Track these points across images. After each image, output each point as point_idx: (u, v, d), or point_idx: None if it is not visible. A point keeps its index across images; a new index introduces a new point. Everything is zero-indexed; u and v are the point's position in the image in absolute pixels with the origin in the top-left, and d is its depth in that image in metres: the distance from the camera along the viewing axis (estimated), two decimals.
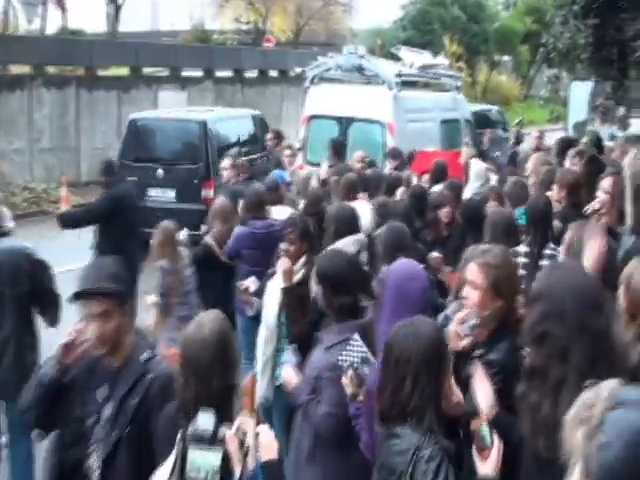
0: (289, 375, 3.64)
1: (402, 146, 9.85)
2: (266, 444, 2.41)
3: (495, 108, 18.64)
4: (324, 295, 3.43)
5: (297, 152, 11.74)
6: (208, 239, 5.95)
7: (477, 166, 8.09)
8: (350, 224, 4.61)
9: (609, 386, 1.36)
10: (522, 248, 4.42)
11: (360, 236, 4.61)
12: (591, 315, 2.33)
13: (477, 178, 7.85)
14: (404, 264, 3.29)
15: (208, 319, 2.62)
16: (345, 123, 11.43)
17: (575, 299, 2.36)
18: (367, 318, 3.39)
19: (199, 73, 20.27)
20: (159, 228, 5.56)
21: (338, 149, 9.45)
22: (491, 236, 4.26)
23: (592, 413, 1.32)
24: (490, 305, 2.89)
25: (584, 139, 7.97)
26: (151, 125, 11.41)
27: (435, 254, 4.90)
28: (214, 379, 2.47)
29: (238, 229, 5.82)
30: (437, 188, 6.80)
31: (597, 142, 7.76)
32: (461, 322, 2.87)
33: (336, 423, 3.22)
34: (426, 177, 7.99)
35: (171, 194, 10.63)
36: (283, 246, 4.34)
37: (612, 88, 6.83)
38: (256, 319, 4.77)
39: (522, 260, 4.29)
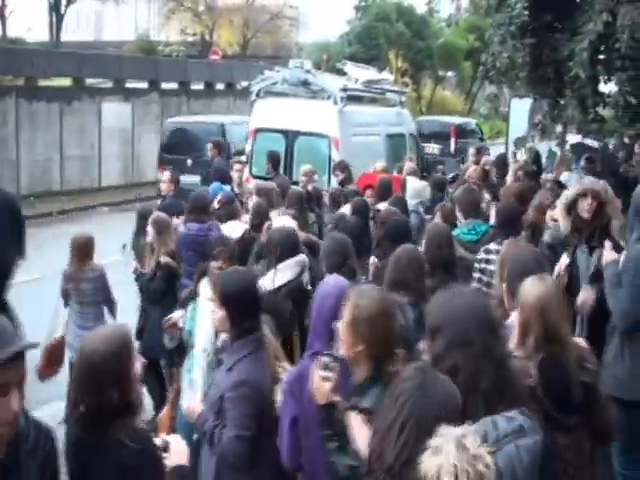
0: (193, 404, 3.52)
1: (347, 160, 9.94)
2: (176, 450, 2.40)
3: (474, 121, 19.72)
4: (226, 316, 3.31)
5: (245, 165, 11.80)
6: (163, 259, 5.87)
7: (414, 183, 8.07)
8: (293, 246, 4.63)
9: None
10: (494, 246, 4.68)
11: (302, 257, 4.63)
12: (493, 340, 2.33)
13: (414, 195, 7.87)
14: (327, 282, 3.28)
15: (106, 331, 2.56)
16: (291, 137, 11.47)
17: (479, 325, 2.32)
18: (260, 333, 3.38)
19: (144, 85, 20.06)
20: (78, 237, 5.78)
21: (275, 161, 9.54)
22: (427, 248, 4.35)
23: None
24: (352, 347, 2.73)
25: (524, 156, 8.19)
26: (183, 127, 15.76)
27: (373, 258, 5.03)
28: (105, 392, 2.41)
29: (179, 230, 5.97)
30: (382, 205, 6.89)
31: (536, 158, 7.99)
32: (323, 366, 2.73)
33: (245, 446, 3.16)
34: (369, 192, 8.06)
35: (197, 179, 11.54)
36: (214, 264, 4.30)
37: (549, 106, 7.05)
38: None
39: (494, 257, 4.55)
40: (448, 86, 41.27)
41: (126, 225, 6.56)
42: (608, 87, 6.26)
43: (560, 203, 4.40)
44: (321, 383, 2.70)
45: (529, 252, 3.81)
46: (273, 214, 6.08)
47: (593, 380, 2.98)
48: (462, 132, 18.22)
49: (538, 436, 2.24)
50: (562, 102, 7.12)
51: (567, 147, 9.50)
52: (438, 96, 38.87)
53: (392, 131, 12.81)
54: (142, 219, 6.60)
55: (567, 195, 4.47)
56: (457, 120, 18.52)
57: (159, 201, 8.88)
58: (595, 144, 11.26)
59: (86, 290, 5.74)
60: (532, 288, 3.02)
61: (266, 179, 10.41)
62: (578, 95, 6.85)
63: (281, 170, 11.38)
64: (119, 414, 2.44)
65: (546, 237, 4.88)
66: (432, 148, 17.09)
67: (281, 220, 5.62)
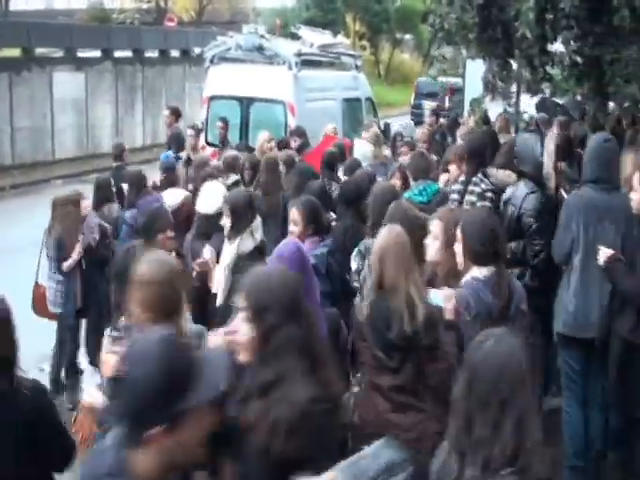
0: (93, 395, 3.34)
1: (304, 125, 9.90)
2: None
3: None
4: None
5: (200, 132, 11.68)
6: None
7: (361, 147, 8.02)
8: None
9: None
10: (456, 186, 5.12)
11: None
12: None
13: (363, 159, 7.85)
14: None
15: None
16: (246, 103, 11.37)
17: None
18: None
19: (97, 54, 19.60)
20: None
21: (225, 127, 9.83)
22: (373, 212, 4.40)
23: None
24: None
25: (474, 117, 8.25)
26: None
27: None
28: None
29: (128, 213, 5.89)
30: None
31: (485, 119, 8.06)
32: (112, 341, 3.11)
33: None
34: None
35: None
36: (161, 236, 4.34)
37: (498, 66, 7.09)
38: None
39: (455, 197, 5.10)
40: (406, 49, 41.13)
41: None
42: (556, 46, 6.30)
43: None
44: (108, 357, 2.92)
45: (482, 212, 3.93)
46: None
47: (418, 329, 3.23)
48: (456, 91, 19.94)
49: (408, 469, 2.27)
50: (511, 62, 7.17)
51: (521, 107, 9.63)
52: (396, 60, 38.75)
53: (348, 95, 12.76)
54: (99, 190, 6.58)
55: None
56: (452, 80, 19.79)
57: None
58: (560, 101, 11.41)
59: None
60: (378, 238, 3.45)
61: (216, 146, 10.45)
62: (526, 55, 6.90)
63: (237, 137, 11.36)
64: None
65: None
66: (429, 105, 19.11)
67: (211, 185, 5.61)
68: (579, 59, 6.36)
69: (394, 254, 3.33)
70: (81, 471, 1.98)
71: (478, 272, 3.40)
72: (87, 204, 6.15)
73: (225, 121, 10.23)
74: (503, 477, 1.95)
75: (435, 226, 3.74)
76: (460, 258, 3.48)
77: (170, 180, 6.37)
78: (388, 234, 3.43)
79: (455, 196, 5.27)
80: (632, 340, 4.20)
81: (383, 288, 3.33)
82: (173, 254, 4.29)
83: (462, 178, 5.38)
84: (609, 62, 6.08)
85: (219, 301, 4.17)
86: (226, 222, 4.47)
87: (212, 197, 5.10)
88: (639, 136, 6.40)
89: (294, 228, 4.50)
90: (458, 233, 3.48)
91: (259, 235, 4.65)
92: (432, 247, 3.70)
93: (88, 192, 6.62)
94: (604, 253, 4.14)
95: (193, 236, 5.08)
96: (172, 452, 1.79)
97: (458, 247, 3.49)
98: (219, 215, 4.62)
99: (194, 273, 4.50)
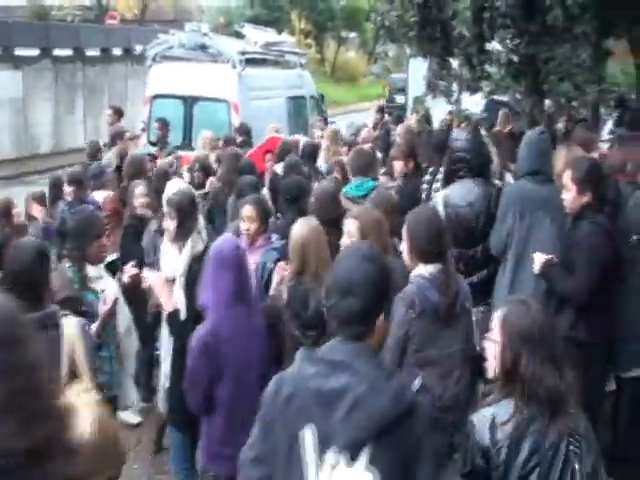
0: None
1: (249, 124, 9.84)
2: None
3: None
4: None
5: (141, 133, 11.51)
6: None
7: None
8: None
9: None
10: (426, 177, 5.68)
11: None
12: None
13: None
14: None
15: None
16: (189, 102, 11.25)
17: None
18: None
19: (35, 52, 19.10)
20: None
21: (165, 128, 9.61)
22: (318, 210, 4.41)
23: None
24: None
25: (416, 115, 8.34)
26: None
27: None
28: None
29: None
30: (279, 166, 6.91)
31: (427, 118, 8.15)
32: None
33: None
34: (268, 157, 8.02)
35: None
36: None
37: (438, 65, 7.19)
38: None
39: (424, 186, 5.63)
40: (352, 47, 41.33)
41: (19, 199, 6.25)
42: (493, 45, 6.42)
43: None
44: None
45: (428, 210, 3.97)
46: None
47: None
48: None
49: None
50: (450, 60, 7.28)
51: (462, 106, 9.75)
52: (342, 58, 38.91)
53: (293, 94, 12.76)
54: (55, 187, 6.39)
55: None
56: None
57: None
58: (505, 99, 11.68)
59: None
60: (296, 229, 3.73)
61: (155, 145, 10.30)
62: (465, 53, 7.01)
63: (180, 137, 11.23)
64: None
65: None
66: (401, 99, 21.15)
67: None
68: (515, 57, 6.50)
69: (315, 244, 3.67)
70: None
71: (424, 270, 3.42)
72: (19, 211, 5.86)
73: (163, 122, 9.97)
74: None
75: (351, 225, 3.78)
76: (406, 256, 3.50)
77: (98, 184, 6.30)
78: (306, 226, 3.74)
79: (425, 186, 5.61)
80: (574, 336, 4.22)
81: (302, 274, 3.66)
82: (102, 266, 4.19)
83: (431, 169, 5.75)
84: (544, 60, 6.22)
85: (183, 316, 3.97)
86: (169, 225, 4.41)
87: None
88: (574, 132, 6.57)
89: (249, 225, 4.49)
90: (404, 232, 3.50)
91: (205, 235, 4.62)
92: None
93: (27, 193, 6.44)
94: (538, 260, 4.16)
95: (154, 232, 5.06)
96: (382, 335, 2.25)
97: (404, 245, 3.51)
98: None
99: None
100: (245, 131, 9.36)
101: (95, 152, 8.31)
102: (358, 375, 2.04)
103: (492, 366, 2.48)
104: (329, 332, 2.24)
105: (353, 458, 1.92)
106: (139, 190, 5.59)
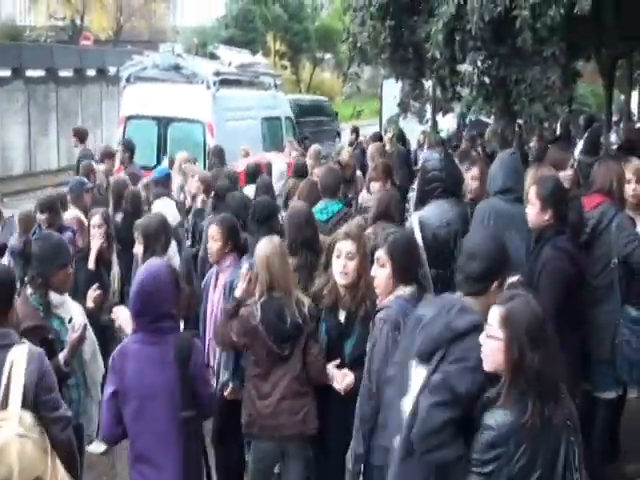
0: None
1: (223, 145, 9.84)
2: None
3: (325, 99, 21.21)
4: None
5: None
6: None
7: (279, 165, 8.05)
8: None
9: None
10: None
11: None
12: None
13: (279, 177, 7.88)
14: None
15: None
16: (164, 123, 11.23)
17: None
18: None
19: (7, 72, 18.95)
20: None
21: (131, 151, 9.33)
22: (289, 232, 4.44)
23: None
24: None
25: (389, 134, 8.41)
26: None
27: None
28: None
29: None
30: (249, 188, 6.92)
31: (400, 136, 8.23)
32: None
33: None
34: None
35: None
36: None
37: (409, 86, 7.26)
38: None
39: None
40: (327, 68, 41.65)
41: None
42: (465, 67, 6.50)
43: None
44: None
45: (405, 233, 4.01)
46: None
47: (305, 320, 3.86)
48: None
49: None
50: (423, 81, 7.36)
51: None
52: (317, 79, 39.16)
53: (268, 114, 12.81)
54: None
55: None
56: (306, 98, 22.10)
57: None
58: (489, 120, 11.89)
59: None
60: (261, 247, 3.90)
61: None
62: (437, 75, 7.09)
63: (154, 158, 11.19)
64: None
65: None
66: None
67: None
68: (487, 79, 6.58)
69: (280, 259, 3.87)
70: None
71: (402, 291, 3.44)
72: None
73: (127, 144, 9.53)
74: None
75: (348, 246, 3.82)
76: (384, 279, 3.48)
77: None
78: (270, 244, 3.91)
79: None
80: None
81: (272, 290, 3.83)
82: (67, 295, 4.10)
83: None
84: (514, 82, 6.31)
85: None
86: (139, 249, 4.40)
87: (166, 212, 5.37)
88: (548, 152, 6.66)
89: (213, 244, 4.50)
90: (382, 255, 3.50)
91: (176, 262, 4.60)
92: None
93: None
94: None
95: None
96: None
97: (381, 270, 3.50)
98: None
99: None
100: (218, 153, 9.36)
101: (88, 173, 7.98)
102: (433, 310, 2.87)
103: (491, 362, 2.62)
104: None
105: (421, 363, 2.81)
106: (94, 220, 5.35)
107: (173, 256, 4.53)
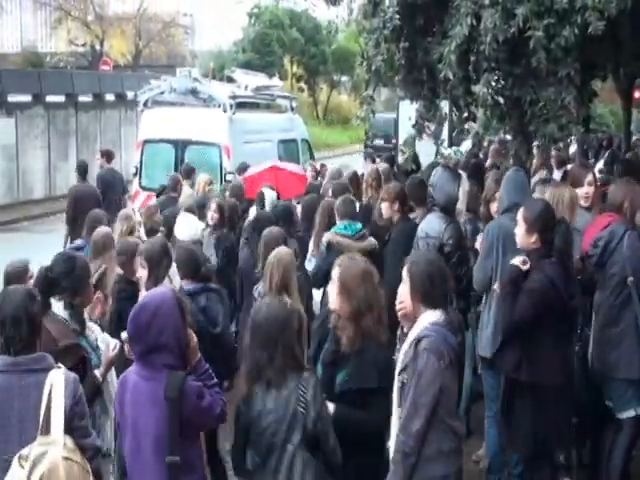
0: None
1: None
2: None
3: None
4: None
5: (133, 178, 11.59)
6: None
7: (270, 194, 7.94)
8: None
9: None
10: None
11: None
12: None
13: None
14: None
15: None
16: (181, 146, 11.34)
17: None
18: None
19: (28, 98, 19.26)
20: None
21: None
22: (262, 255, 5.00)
23: None
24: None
25: (404, 156, 8.41)
26: None
27: None
28: None
29: None
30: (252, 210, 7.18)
31: (415, 158, 8.23)
32: None
33: None
34: None
35: None
36: None
37: (423, 107, 7.26)
38: None
39: None
40: (344, 90, 41.89)
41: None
42: (479, 87, 6.48)
43: None
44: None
45: (429, 254, 4.08)
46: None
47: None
48: None
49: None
50: (437, 102, 7.35)
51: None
52: (334, 101, 39.38)
53: (284, 137, 12.88)
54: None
55: None
56: None
57: None
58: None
59: None
60: (279, 257, 4.52)
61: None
62: (451, 96, 7.07)
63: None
64: None
65: None
66: (379, 141, 24.82)
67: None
68: (501, 99, 6.55)
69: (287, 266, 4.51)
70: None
71: (434, 316, 3.31)
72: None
73: (186, 171, 9.60)
74: None
75: (335, 274, 3.67)
76: (409, 302, 3.37)
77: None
78: (285, 252, 4.51)
79: None
80: (515, 378, 4.28)
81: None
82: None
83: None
84: (529, 102, 6.27)
85: None
86: (142, 274, 4.44)
87: (188, 226, 5.86)
88: (570, 170, 6.65)
89: (141, 272, 4.55)
90: (406, 275, 3.40)
91: (177, 282, 4.61)
92: (332, 293, 3.66)
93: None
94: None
95: None
96: None
97: (404, 290, 3.40)
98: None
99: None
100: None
101: (175, 185, 8.77)
102: None
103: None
104: None
105: None
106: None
107: (174, 276, 4.54)
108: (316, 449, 3.26)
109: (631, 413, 4.47)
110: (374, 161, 12.53)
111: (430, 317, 3.29)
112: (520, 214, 4.24)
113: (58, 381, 3.07)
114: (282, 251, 4.67)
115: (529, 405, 4.22)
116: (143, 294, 4.32)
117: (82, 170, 10.16)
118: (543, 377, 4.16)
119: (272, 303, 3.50)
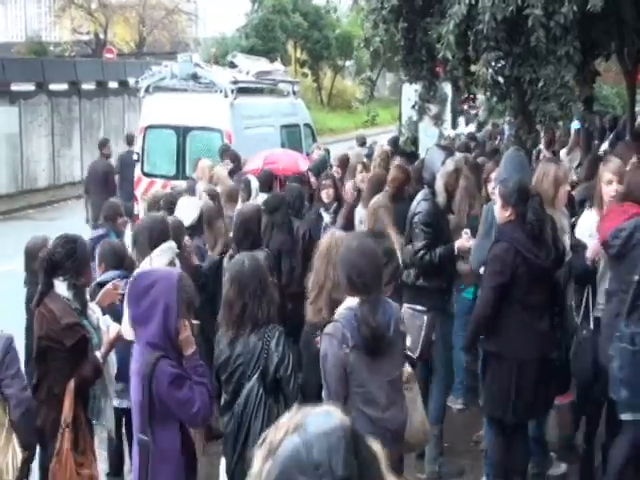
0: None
1: (241, 153, 9.87)
2: None
3: None
4: None
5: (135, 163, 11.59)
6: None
7: (256, 182, 7.87)
8: (162, 233, 4.65)
9: (303, 410, 1.27)
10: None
11: (171, 243, 4.62)
12: None
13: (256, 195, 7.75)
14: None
15: None
16: (182, 132, 11.30)
17: None
18: None
19: (31, 87, 19.25)
20: None
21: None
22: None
23: (276, 436, 1.23)
24: None
25: (403, 138, 8.37)
26: None
27: None
28: None
29: None
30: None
31: (414, 140, 8.20)
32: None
33: None
34: None
35: None
36: None
37: (423, 88, 7.21)
38: None
39: None
40: (348, 75, 41.64)
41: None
42: (479, 67, 6.43)
43: None
44: None
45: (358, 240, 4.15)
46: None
47: None
48: None
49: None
50: (437, 83, 7.31)
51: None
52: (339, 86, 39.17)
53: (286, 121, 12.80)
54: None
55: None
56: None
57: None
58: None
59: None
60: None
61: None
62: (451, 76, 7.03)
63: (174, 167, 11.28)
64: None
65: None
66: None
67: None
68: (501, 79, 6.50)
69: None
70: None
71: (352, 302, 3.42)
72: None
73: (232, 156, 9.61)
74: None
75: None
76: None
77: None
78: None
79: None
80: (485, 348, 4.45)
81: None
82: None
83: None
84: (528, 81, 6.23)
85: None
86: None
87: (188, 210, 5.78)
88: (616, 147, 6.59)
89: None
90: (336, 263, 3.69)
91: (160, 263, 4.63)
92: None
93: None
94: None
95: None
96: None
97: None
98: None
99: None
100: (233, 157, 9.44)
101: (239, 162, 9.11)
102: None
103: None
104: None
105: None
106: None
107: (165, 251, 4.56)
108: (277, 394, 3.53)
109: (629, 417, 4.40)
110: (364, 144, 12.53)
111: (348, 302, 3.44)
112: (496, 190, 4.38)
113: None
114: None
115: (496, 375, 4.36)
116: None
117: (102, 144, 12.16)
118: (507, 349, 4.24)
119: (250, 257, 3.71)
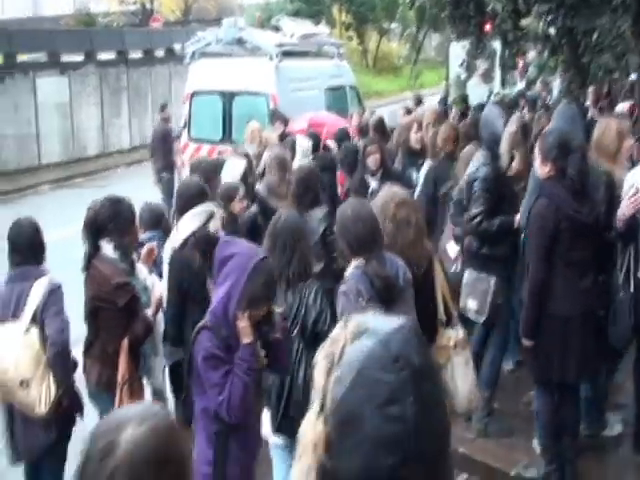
0: None
1: (288, 115, 9.81)
2: None
3: None
4: None
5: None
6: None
7: (303, 143, 7.75)
8: (192, 197, 4.61)
9: (357, 318, 1.29)
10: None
11: (208, 205, 4.56)
12: None
13: (303, 155, 7.63)
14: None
15: None
16: (228, 97, 11.31)
17: None
18: None
19: (80, 57, 19.48)
20: None
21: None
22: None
23: (335, 348, 1.24)
24: None
25: (452, 98, 8.18)
26: None
27: None
28: None
29: None
30: None
31: (464, 98, 8.01)
32: None
33: None
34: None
35: None
36: None
37: (471, 44, 7.00)
38: None
39: None
40: (394, 37, 40.89)
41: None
42: (528, 21, 6.21)
43: None
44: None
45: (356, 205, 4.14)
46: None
47: None
48: None
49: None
50: (485, 39, 7.10)
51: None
52: (384, 49, 38.55)
53: (332, 84, 12.68)
54: None
55: None
56: None
57: None
58: None
59: None
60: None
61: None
62: (500, 31, 6.82)
63: (220, 132, 11.31)
64: None
65: None
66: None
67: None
68: (552, 31, 6.28)
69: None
70: None
71: (358, 262, 3.55)
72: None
73: (282, 119, 9.55)
74: None
75: None
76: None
77: None
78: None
79: None
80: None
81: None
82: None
83: None
84: (582, 33, 5.99)
85: None
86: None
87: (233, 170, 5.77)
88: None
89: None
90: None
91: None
92: None
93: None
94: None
95: None
96: None
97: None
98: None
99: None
100: (282, 118, 9.41)
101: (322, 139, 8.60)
102: None
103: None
104: None
105: None
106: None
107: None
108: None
109: None
110: (419, 103, 12.30)
111: (354, 264, 3.56)
112: (537, 146, 4.22)
113: (41, 284, 3.72)
114: None
115: (542, 333, 4.23)
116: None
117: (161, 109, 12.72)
118: (551, 306, 4.14)
119: (290, 214, 3.80)
